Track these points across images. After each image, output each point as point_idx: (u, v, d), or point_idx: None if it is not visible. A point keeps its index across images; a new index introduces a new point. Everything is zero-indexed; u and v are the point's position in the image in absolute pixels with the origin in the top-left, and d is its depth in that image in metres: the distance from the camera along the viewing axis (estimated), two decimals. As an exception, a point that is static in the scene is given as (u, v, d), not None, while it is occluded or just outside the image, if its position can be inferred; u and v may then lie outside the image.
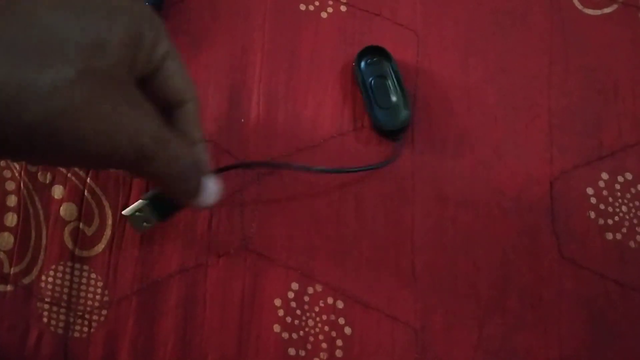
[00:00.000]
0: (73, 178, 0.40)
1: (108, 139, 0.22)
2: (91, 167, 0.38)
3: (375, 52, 0.41)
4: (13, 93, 0.18)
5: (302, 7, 0.44)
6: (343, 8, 0.44)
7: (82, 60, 0.20)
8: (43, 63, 0.19)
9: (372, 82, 0.40)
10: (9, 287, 0.39)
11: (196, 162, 0.29)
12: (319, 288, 0.39)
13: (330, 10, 0.44)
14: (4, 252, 0.39)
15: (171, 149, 0.26)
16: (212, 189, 0.31)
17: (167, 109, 0.29)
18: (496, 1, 0.44)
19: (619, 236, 0.40)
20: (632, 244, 0.40)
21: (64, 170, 0.40)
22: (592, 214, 0.40)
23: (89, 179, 0.40)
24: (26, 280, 0.39)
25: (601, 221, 0.40)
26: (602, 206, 0.40)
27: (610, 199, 0.40)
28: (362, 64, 0.41)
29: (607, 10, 0.44)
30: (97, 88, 0.20)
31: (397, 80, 0.40)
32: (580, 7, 0.44)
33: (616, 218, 0.40)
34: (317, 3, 0.44)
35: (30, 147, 0.20)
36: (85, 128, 0.20)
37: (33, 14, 0.19)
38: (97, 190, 0.40)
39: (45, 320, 0.39)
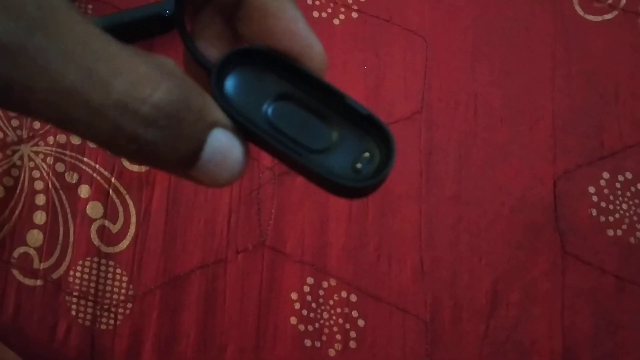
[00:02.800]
0: (99, 178, 0.42)
1: None
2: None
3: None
4: None
5: (315, 14, 0.46)
6: (355, 15, 0.46)
7: None
8: None
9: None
10: (38, 282, 0.41)
11: (186, 98, 0.17)
12: (333, 282, 0.41)
13: (342, 17, 0.46)
14: (34, 248, 0.42)
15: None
16: (224, 149, 0.18)
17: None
18: (501, 8, 0.46)
19: (619, 232, 0.42)
20: (632, 240, 0.42)
21: (89, 170, 0.42)
22: (594, 212, 0.42)
23: (113, 178, 0.42)
24: (55, 275, 0.41)
25: (602, 218, 0.42)
26: (603, 204, 0.42)
27: (611, 197, 0.42)
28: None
29: (607, 16, 0.46)
30: None
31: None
32: (582, 13, 0.46)
33: (617, 215, 0.42)
34: (329, 10, 0.46)
35: None
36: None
37: None
38: (122, 189, 0.42)
39: (73, 313, 0.41)
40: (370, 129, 0.19)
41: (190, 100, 0.17)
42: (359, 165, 0.19)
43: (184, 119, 0.16)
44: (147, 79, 0.16)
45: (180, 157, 0.17)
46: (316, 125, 0.20)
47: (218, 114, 0.18)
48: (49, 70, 0.15)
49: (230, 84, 0.19)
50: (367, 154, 0.19)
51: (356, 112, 0.19)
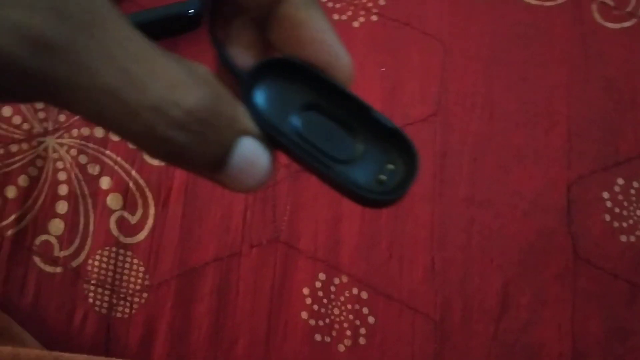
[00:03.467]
0: (119, 170, 0.44)
1: None
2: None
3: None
4: None
5: (335, 16, 0.47)
6: (374, 18, 0.47)
7: None
8: None
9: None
10: (58, 269, 0.42)
11: (218, 101, 0.18)
12: (344, 279, 0.42)
13: (362, 20, 0.47)
14: (55, 237, 0.43)
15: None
16: (251, 157, 0.19)
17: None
18: (519, 14, 0.47)
19: (632, 239, 0.42)
20: (645, 246, 0.42)
21: (111, 162, 0.44)
22: (607, 217, 0.42)
23: (134, 171, 0.44)
24: (74, 264, 0.42)
25: (616, 224, 0.42)
26: (617, 210, 0.42)
27: (625, 203, 0.42)
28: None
29: (626, 24, 0.46)
30: None
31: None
32: (600, 20, 0.46)
33: (630, 221, 0.42)
34: (349, 13, 0.47)
35: None
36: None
37: None
38: (141, 182, 0.43)
39: (90, 300, 0.42)
40: (395, 142, 0.20)
41: (221, 108, 0.17)
42: (382, 177, 0.20)
43: (215, 125, 0.17)
44: (182, 84, 0.16)
45: (208, 161, 0.18)
46: (342, 136, 0.20)
47: (247, 122, 0.18)
48: (92, 69, 0.16)
49: (259, 92, 0.20)
50: (391, 166, 0.20)
51: (381, 124, 0.20)
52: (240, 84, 0.20)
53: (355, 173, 0.19)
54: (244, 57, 0.21)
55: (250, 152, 0.18)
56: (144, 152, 0.18)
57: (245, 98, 0.19)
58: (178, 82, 0.16)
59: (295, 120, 0.20)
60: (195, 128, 0.17)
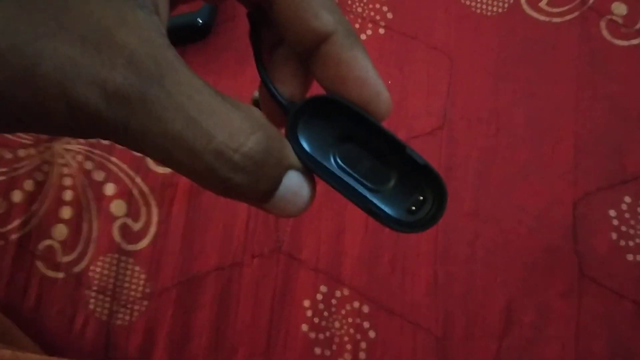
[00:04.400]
0: (124, 177, 0.44)
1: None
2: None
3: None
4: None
5: (343, 29, 0.47)
6: (382, 31, 0.47)
7: None
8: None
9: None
10: (60, 275, 0.42)
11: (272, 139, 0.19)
12: (346, 292, 0.41)
13: (369, 32, 0.47)
14: (58, 242, 0.43)
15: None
16: (295, 188, 0.21)
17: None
18: (528, 29, 0.47)
19: (639, 258, 0.41)
20: (652, 266, 0.41)
21: (116, 169, 0.44)
22: (614, 235, 0.42)
23: (138, 178, 0.44)
24: (76, 269, 0.43)
25: (622, 242, 0.41)
26: (623, 228, 0.42)
27: (632, 222, 0.42)
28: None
29: (634, 41, 0.46)
30: None
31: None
32: (609, 37, 0.46)
33: (637, 240, 0.41)
34: (357, 26, 0.47)
35: None
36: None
37: None
38: (145, 189, 0.44)
39: (91, 307, 0.42)
40: (426, 176, 0.21)
41: (273, 148, 0.19)
42: (413, 208, 0.21)
43: (267, 163, 0.19)
44: (241, 131, 0.18)
45: (259, 195, 0.19)
46: (377, 168, 0.22)
47: (292, 157, 0.20)
48: (162, 119, 0.17)
49: (302, 126, 0.22)
50: (421, 198, 0.21)
51: (414, 161, 0.21)
52: (286, 115, 0.21)
53: (388, 202, 0.21)
54: (286, 86, 0.23)
55: (295, 184, 0.20)
56: (203, 187, 0.19)
57: (290, 133, 0.21)
58: (238, 130, 0.18)
59: (334, 153, 0.22)
60: (250, 169, 0.18)
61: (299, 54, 0.22)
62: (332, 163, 0.22)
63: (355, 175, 0.22)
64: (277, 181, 0.20)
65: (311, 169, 0.21)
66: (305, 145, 0.21)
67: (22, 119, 0.18)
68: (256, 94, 0.28)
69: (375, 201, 0.21)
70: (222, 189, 0.19)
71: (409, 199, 0.21)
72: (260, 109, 0.23)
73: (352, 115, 0.21)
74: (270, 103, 0.23)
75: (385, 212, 0.21)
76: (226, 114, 0.18)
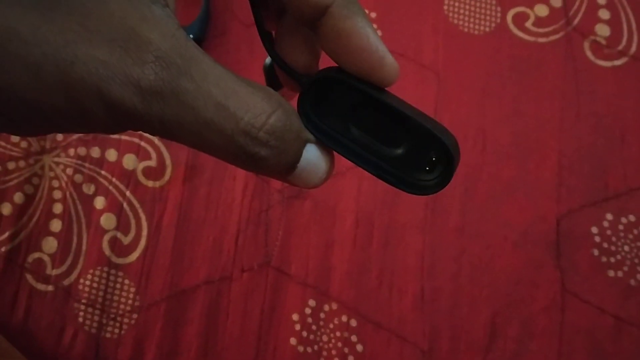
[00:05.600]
0: (114, 191, 0.44)
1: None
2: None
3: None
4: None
5: (333, 45, 0.48)
6: (370, 48, 0.48)
7: None
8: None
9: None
10: (50, 288, 0.43)
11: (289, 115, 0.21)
12: (334, 306, 0.42)
13: (358, 49, 0.48)
14: (48, 255, 0.43)
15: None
16: (315, 160, 0.22)
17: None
18: (514, 49, 0.48)
19: (620, 274, 0.42)
20: (632, 282, 0.42)
21: (106, 182, 0.44)
22: (596, 252, 0.43)
23: (128, 192, 0.44)
24: (66, 282, 0.43)
25: (604, 259, 0.43)
26: (605, 245, 0.43)
27: (614, 239, 0.43)
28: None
29: (617, 62, 0.47)
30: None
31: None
32: (592, 58, 0.47)
33: (618, 257, 0.42)
34: (346, 42, 0.48)
35: None
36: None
37: None
38: (135, 202, 0.44)
39: (80, 320, 0.42)
40: (434, 139, 0.22)
41: (291, 123, 0.21)
42: (427, 168, 0.22)
43: (288, 138, 0.21)
44: (262, 111, 0.20)
45: (283, 167, 0.21)
46: (388, 134, 0.23)
47: (308, 131, 0.22)
48: (194, 108, 0.19)
49: (311, 101, 0.23)
50: (434, 159, 0.22)
51: (421, 125, 0.22)
52: (301, 89, 0.23)
53: (400, 167, 0.23)
54: (296, 55, 0.24)
55: (313, 156, 0.22)
56: (233, 164, 0.21)
57: (300, 109, 0.23)
58: (260, 110, 0.20)
59: (346, 122, 0.23)
60: (273, 143, 0.20)
61: (303, 25, 0.23)
62: (343, 133, 0.23)
63: (367, 142, 0.23)
64: (298, 154, 0.22)
65: (322, 141, 0.22)
66: (315, 118, 0.23)
67: (58, 123, 0.19)
68: (268, 60, 0.28)
69: (387, 167, 0.23)
70: (251, 164, 0.20)
71: (420, 163, 0.22)
72: (271, 75, 0.27)
73: (359, 89, 0.22)
74: (279, 73, 0.25)
75: (398, 175, 0.23)
76: (249, 96, 0.20)
